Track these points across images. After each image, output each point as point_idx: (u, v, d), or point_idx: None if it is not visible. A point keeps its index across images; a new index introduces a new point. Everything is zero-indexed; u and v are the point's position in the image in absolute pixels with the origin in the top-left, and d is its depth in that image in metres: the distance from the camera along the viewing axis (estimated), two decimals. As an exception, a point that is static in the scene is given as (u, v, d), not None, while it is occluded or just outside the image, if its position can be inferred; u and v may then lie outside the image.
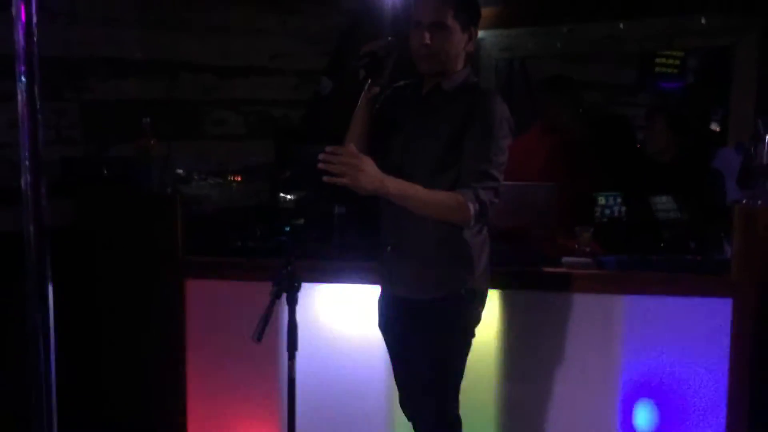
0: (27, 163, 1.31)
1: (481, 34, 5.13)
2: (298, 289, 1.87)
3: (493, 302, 2.70)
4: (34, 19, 1.29)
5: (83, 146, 3.44)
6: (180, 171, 3.20)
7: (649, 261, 2.71)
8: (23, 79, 1.27)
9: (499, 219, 2.83)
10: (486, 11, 4.83)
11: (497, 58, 5.20)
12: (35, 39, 1.29)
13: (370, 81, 2.12)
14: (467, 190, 2.02)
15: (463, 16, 2.11)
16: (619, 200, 3.02)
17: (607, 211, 3.01)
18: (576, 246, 2.88)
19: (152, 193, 2.96)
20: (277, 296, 1.84)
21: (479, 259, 2.19)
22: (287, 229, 3.12)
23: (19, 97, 1.31)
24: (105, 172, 3.10)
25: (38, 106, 1.30)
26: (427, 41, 2.07)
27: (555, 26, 4.84)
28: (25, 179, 1.31)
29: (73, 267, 3.00)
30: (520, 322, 2.75)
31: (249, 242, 3.01)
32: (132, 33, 3.65)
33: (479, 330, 2.26)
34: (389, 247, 2.23)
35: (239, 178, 3.49)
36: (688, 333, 2.64)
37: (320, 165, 1.91)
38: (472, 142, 2.05)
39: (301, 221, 3.14)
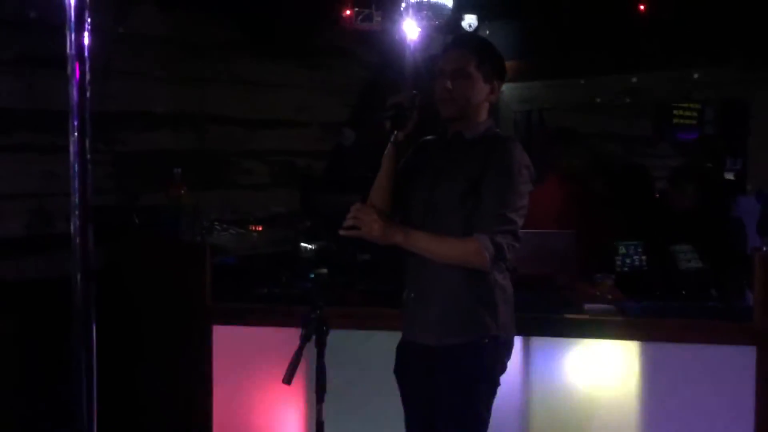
0: (77, 210, 1.38)
1: (499, 86, 5.26)
2: (326, 333, 1.92)
3: (515, 348, 2.72)
4: (88, 77, 1.39)
5: (116, 196, 3.55)
6: (203, 222, 3.29)
7: (671, 308, 2.73)
8: (76, 133, 1.36)
9: (520, 266, 2.88)
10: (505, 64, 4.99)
11: (516, 110, 5.31)
12: (88, 96, 1.38)
13: (396, 132, 2.20)
14: (482, 235, 2.07)
15: (486, 67, 2.19)
16: (639, 249, 3.04)
17: (628, 261, 3.03)
18: (598, 293, 2.91)
19: (182, 241, 3.04)
20: (306, 339, 1.89)
21: (503, 306, 2.21)
22: (312, 275, 3.17)
23: (71, 149, 1.40)
24: (136, 220, 3.20)
25: (88, 158, 1.39)
26: (449, 86, 2.16)
27: (572, 79, 4.95)
28: (74, 224, 1.38)
29: (104, 312, 3.08)
30: (543, 369, 2.76)
31: (274, 289, 3.08)
32: (162, 87, 3.80)
33: (507, 377, 2.28)
34: (412, 294, 2.27)
35: (260, 228, 3.57)
36: (712, 380, 2.63)
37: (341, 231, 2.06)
38: (490, 186, 2.11)
39: (324, 270, 3.19)
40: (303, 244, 3.28)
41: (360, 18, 4.12)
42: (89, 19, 1.38)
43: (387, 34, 4.24)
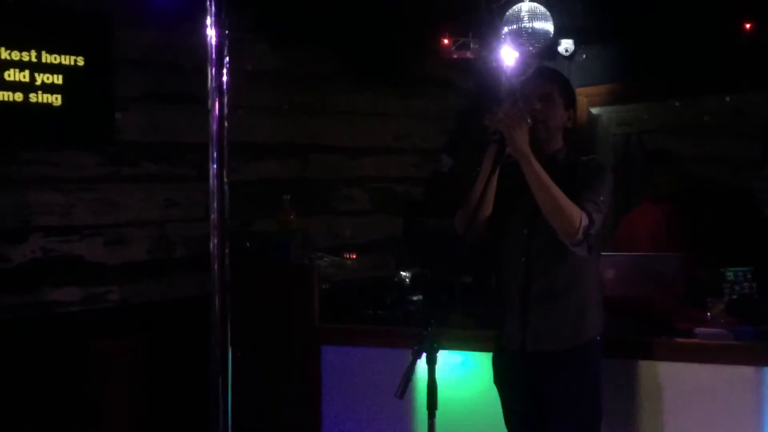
0: (215, 230, 1.51)
1: (597, 110, 5.22)
2: (437, 349, 1.98)
3: (628, 373, 2.71)
4: (225, 112, 1.52)
5: (229, 222, 3.74)
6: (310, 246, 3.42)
7: (789, 332, 2.63)
8: (215, 165, 1.49)
9: (626, 288, 2.87)
10: (602, 88, 4.96)
11: (615, 133, 5.25)
12: (226, 129, 1.52)
13: (501, 154, 2.25)
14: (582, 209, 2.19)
15: (565, 95, 2.36)
16: (749, 276, 2.95)
17: (737, 288, 2.94)
18: (708, 317, 2.85)
19: (291, 265, 3.19)
20: (418, 356, 1.95)
21: (602, 303, 2.36)
22: (415, 298, 3.26)
23: (211, 175, 1.53)
24: (248, 244, 3.37)
25: (226, 184, 1.52)
26: (537, 107, 2.29)
27: (670, 101, 4.86)
28: (213, 243, 1.51)
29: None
30: (655, 394, 2.71)
31: (380, 311, 3.17)
32: (269, 119, 4.00)
33: (617, 400, 2.33)
34: (520, 303, 2.32)
35: (354, 256, 3.68)
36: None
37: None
38: (584, 182, 2.25)
39: (420, 297, 3.27)
40: (400, 272, 3.36)
41: (457, 46, 4.20)
42: (227, 58, 1.52)
43: (483, 60, 4.31)
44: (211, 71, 1.52)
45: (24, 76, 3.00)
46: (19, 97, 3.00)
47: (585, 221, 2.16)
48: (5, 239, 3.07)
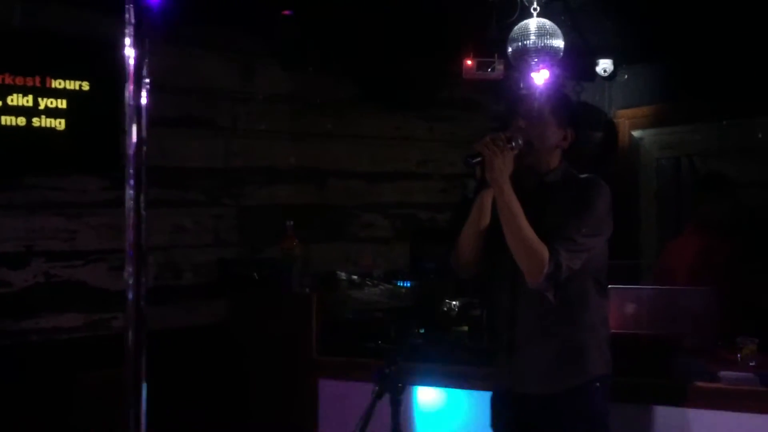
0: (131, 261, 1.41)
1: (639, 133, 4.95)
2: (401, 391, 1.82)
3: (640, 419, 2.48)
4: (144, 132, 1.42)
5: (239, 248, 3.68)
6: (355, 277, 3.32)
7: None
8: (131, 191, 1.39)
9: (650, 325, 2.64)
10: (644, 110, 4.69)
11: (659, 157, 4.95)
12: (144, 150, 1.42)
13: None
14: (550, 253, 2.03)
15: (560, 114, 2.19)
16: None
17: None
18: (738, 358, 2.58)
19: (292, 293, 3.08)
20: (378, 396, 1.80)
21: (607, 339, 2.18)
22: (422, 330, 3.09)
23: (127, 200, 1.43)
24: (256, 275, 3.29)
25: (143, 212, 1.41)
26: (522, 125, 2.15)
27: (719, 122, 4.55)
28: (128, 272, 1.41)
29: (220, 362, 3.20)
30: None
31: (382, 344, 3.01)
32: (286, 143, 3.93)
33: None
34: (512, 342, 2.16)
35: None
36: None
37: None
38: (567, 211, 2.10)
39: (465, 328, 3.11)
40: (447, 300, 3.21)
41: (484, 68, 4.04)
42: (147, 79, 1.42)
43: (513, 81, 4.13)
44: (129, 90, 1.41)
45: (27, 101, 3.02)
46: (21, 121, 3.01)
47: (550, 268, 2.00)
48: (7, 264, 3.07)
